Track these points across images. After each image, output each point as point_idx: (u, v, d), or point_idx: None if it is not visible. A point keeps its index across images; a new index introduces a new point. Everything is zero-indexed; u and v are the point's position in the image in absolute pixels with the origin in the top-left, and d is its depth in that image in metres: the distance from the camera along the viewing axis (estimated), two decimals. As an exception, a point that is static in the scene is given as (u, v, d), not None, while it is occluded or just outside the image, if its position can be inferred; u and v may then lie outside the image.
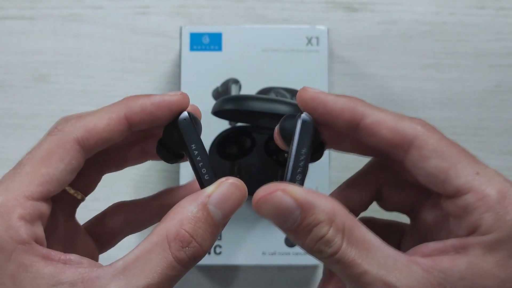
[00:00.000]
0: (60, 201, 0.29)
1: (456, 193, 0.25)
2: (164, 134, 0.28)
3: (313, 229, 0.24)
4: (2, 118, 0.50)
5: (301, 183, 0.26)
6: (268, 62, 0.45)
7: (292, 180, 0.26)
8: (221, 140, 0.43)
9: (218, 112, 0.41)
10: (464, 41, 0.49)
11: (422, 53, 0.49)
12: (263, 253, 0.44)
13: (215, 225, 0.25)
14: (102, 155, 0.30)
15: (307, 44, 0.45)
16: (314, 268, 0.49)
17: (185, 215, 0.25)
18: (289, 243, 0.44)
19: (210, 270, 0.49)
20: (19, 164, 0.26)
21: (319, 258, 0.25)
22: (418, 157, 0.26)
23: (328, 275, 0.30)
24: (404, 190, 0.30)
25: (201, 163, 0.27)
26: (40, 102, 0.50)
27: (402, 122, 0.26)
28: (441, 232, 0.27)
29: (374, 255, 0.24)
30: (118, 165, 0.32)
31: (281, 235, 0.44)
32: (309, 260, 0.44)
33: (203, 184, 0.27)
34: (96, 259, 0.32)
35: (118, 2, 0.50)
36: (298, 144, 0.27)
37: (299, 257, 0.44)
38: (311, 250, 0.25)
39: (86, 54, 0.50)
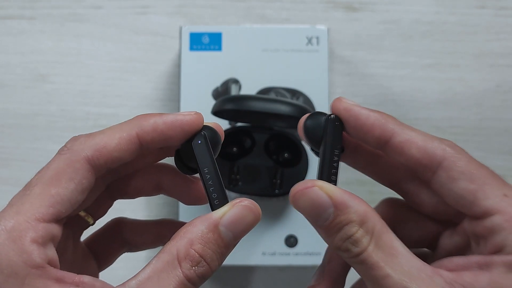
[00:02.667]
0: (71, 224, 0.29)
1: (483, 215, 0.25)
2: (181, 148, 0.28)
3: (344, 227, 0.25)
4: (2, 118, 0.50)
5: (335, 183, 0.27)
6: (268, 62, 0.45)
7: (327, 179, 0.27)
8: (221, 140, 0.43)
9: (218, 112, 0.41)
10: (464, 41, 0.49)
11: (422, 53, 0.49)
12: (263, 253, 0.44)
13: (225, 246, 0.26)
14: (116, 182, 0.30)
15: (307, 44, 0.45)
16: (314, 268, 0.48)
17: (195, 234, 0.25)
18: (289, 243, 0.44)
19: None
20: (29, 185, 0.25)
21: (345, 258, 0.26)
22: (447, 178, 0.26)
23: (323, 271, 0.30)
24: (419, 224, 0.30)
25: (212, 188, 0.27)
26: (40, 102, 0.50)
27: (431, 142, 0.26)
28: (465, 254, 0.27)
29: (399, 262, 0.24)
30: (131, 195, 0.31)
31: (281, 236, 0.44)
32: (309, 260, 0.44)
33: (212, 209, 0.27)
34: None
35: (118, 2, 0.50)
36: (332, 144, 0.27)
37: (299, 257, 0.44)
38: (339, 248, 0.25)
39: (85, 54, 0.50)
